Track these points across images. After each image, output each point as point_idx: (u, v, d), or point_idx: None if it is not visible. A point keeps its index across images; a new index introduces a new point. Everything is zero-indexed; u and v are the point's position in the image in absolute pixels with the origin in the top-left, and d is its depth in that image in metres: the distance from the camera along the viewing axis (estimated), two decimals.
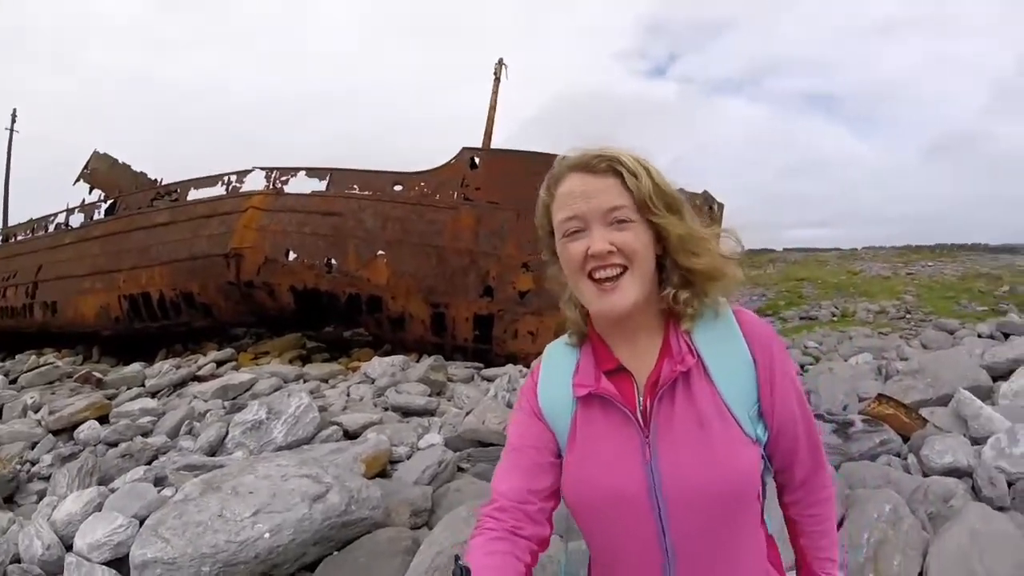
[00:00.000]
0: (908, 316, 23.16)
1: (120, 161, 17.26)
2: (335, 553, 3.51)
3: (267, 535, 3.25)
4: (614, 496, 1.26)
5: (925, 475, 4.30)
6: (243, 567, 3.15)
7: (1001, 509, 3.76)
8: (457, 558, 1.11)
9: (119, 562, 3.48)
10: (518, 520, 1.28)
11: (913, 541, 3.30)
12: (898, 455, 4.67)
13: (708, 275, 1.28)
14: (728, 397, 1.26)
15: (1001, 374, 6.51)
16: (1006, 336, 11.43)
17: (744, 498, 1.26)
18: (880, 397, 5.15)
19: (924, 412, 5.23)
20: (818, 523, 1.43)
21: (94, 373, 10.52)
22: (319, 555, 3.47)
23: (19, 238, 18.59)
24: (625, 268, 1.23)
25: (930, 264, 40.79)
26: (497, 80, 13.84)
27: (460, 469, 5.34)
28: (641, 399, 1.29)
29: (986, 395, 5.82)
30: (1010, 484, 4.03)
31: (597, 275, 1.24)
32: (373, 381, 8.79)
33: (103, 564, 3.49)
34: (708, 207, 12.08)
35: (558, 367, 1.39)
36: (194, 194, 13.51)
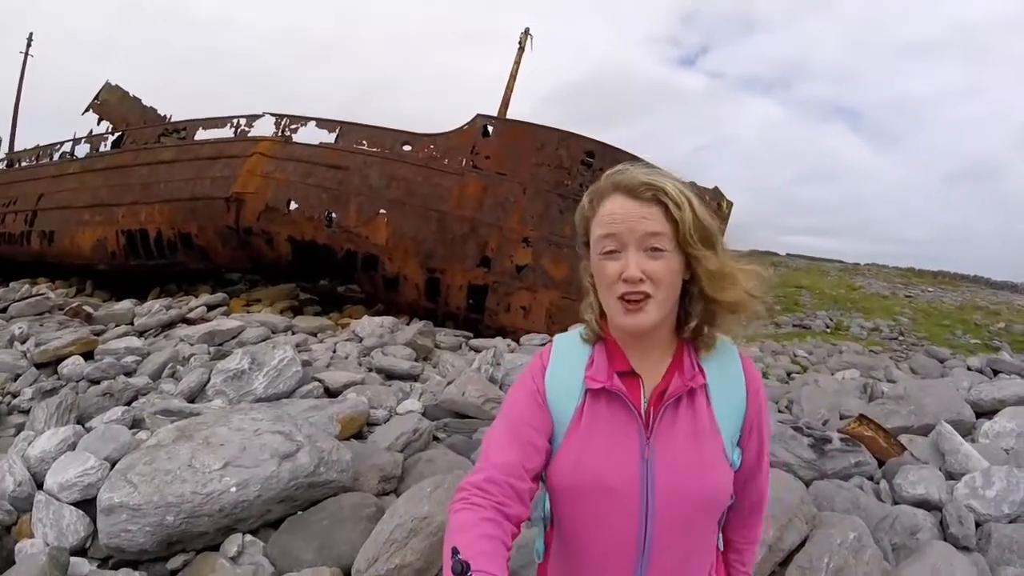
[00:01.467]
0: (901, 338, 23.11)
1: (131, 94, 17.10)
2: (299, 513, 3.51)
3: (233, 489, 3.24)
4: (607, 486, 1.33)
5: (896, 503, 4.32)
6: (207, 519, 3.15)
7: (966, 549, 3.78)
8: (455, 551, 1.12)
9: (88, 503, 3.46)
10: (507, 496, 1.29)
11: (873, 572, 3.31)
12: (871, 478, 4.68)
13: (731, 308, 1.36)
14: (721, 420, 1.39)
15: (985, 412, 6.52)
16: (995, 372, 11.45)
17: (718, 509, 1.41)
18: (861, 418, 5.14)
19: (903, 439, 5.23)
20: (740, 564, 1.62)
21: (84, 307, 10.51)
22: (283, 513, 3.47)
23: (23, 164, 18.45)
24: (649, 295, 1.30)
25: (930, 289, 40.78)
26: (521, 50, 13.67)
27: (435, 439, 5.36)
28: (646, 403, 1.37)
29: (967, 431, 5.83)
30: (978, 525, 4.05)
31: (626, 297, 1.30)
32: (361, 340, 8.79)
33: (72, 504, 3.48)
34: (717, 204, 12.04)
35: (571, 358, 1.44)
36: (202, 134, 13.36)
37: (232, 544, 3.20)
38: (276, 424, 3.82)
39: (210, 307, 10.78)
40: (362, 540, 3.17)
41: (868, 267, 55.66)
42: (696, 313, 1.38)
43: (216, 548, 3.23)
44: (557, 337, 1.53)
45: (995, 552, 3.79)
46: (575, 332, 1.51)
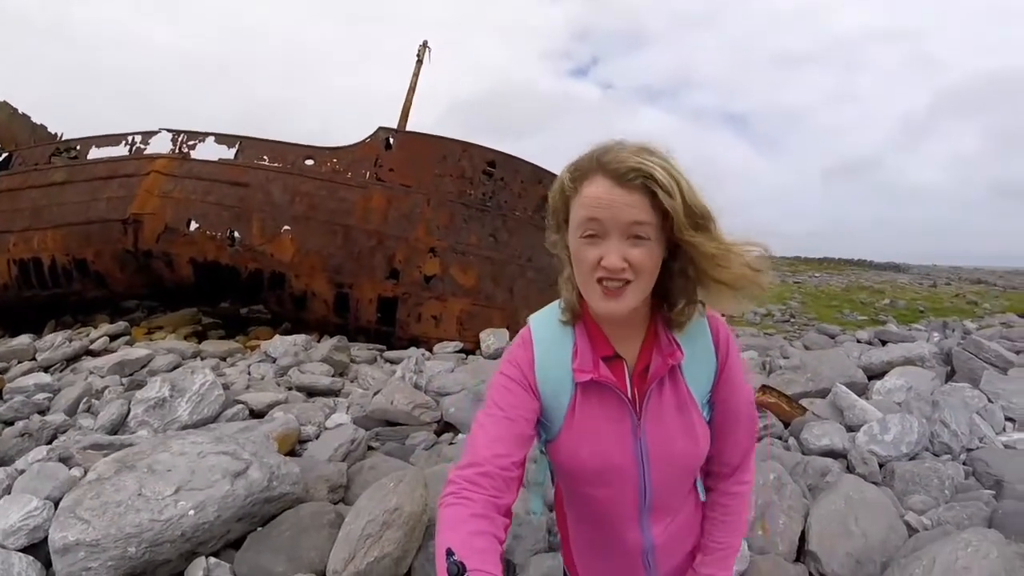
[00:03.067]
0: (793, 320, 24.45)
1: (19, 111, 16.03)
2: (259, 529, 3.54)
3: (191, 512, 3.24)
4: (609, 465, 1.43)
5: (804, 454, 4.80)
6: (169, 546, 3.14)
7: (874, 484, 4.27)
8: (450, 552, 1.13)
9: (36, 547, 3.37)
10: (498, 489, 1.29)
11: (796, 505, 3.68)
12: (780, 438, 5.16)
13: (730, 285, 1.32)
14: (693, 386, 1.46)
15: (876, 374, 7.14)
16: (883, 343, 12.30)
17: (699, 463, 1.52)
18: (764, 387, 5.60)
19: (804, 402, 5.73)
20: (725, 513, 1.62)
21: None
22: (243, 531, 3.49)
23: None
24: (630, 281, 1.29)
25: (817, 275, 43.19)
26: (419, 63, 13.76)
27: (370, 448, 5.47)
28: (630, 384, 1.43)
29: (861, 391, 6.40)
30: (881, 465, 4.56)
31: (604, 284, 1.29)
32: (275, 360, 8.73)
33: (19, 551, 3.35)
34: None
35: (555, 348, 1.45)
36: (95, 153, 12.66)
37: (197, 568, 3.20)
38: (219, 445, 3.81)
39: (112, 337, 10.36)
40: (329, 545, 3.25)
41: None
42: (676, 291, 1.39)
43: (180, 575, 3.23)
44: (533, 321, 1.52)
45: (900, 485, 4.28)
46: (550, 313, 1.51)
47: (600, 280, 1.29)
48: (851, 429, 5.18)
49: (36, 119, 16.20)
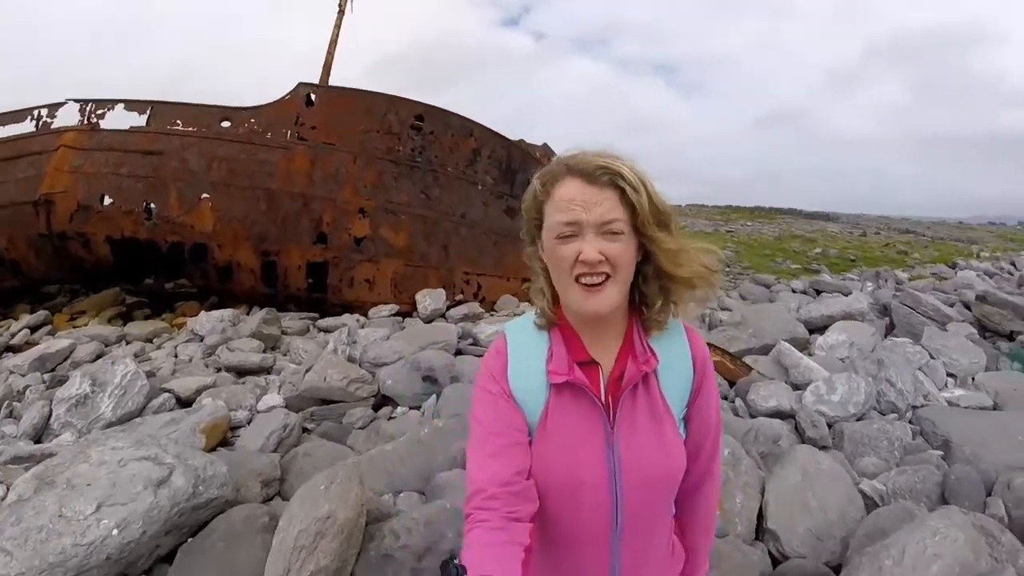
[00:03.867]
0: (728, 269, 24.96)
1: None
2: (190, 540, 3.44)
3: (115, 532, 3.13)
4: (579, 478, 1.39)
5: (752, 416, 4.91)
6: (96, 572, 3.03)
7: (824, 448, 4.40)
8: (452, 556, 1.18)
9: None
10: (511, 505, 1.32)
11: (752, 481, 3.77)
12: (726, 398, 5.27)
13: (688, 283, 1.41)
14: (670, 398, 1.46)
15: (816, 328, 7.39)
16: (818, 292, 12.78)
17: (677, 482, 1.49)
18: (707, 345, 5.71)
19: (748, 360, 5.86)
20: (694, 516, 1.65)
21: None
22: (173, 544, 3.38)
23: None
24: (609, 276, 1.34)
25: (749, 224, 44.04)
26: (341, 13, 13.13)
27: (305, 430, 5.39)
28: (604, 391, 1.43)
29: (803, 346, 6.61)
30: (829, 426, 4.72)
31: (583, 280, 1.34)
32: (202, 339, 8.53)
33: None
34: (547, 159, 12.39)
35: (529, 350, 1.47)
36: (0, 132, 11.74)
37: None
38: (139, 449, 3.66)
39: (33, 328, 9.86)
40: (264, 554, 3.15)
41: (689, 207, 59.08)
42: (653, 293, 1.43)
43: None
44: (509, 329, 1.55)
45: (850, 447, 4.46)
46: (526, 319, 1.54)
47: (578, 278, 1.34)
48: (797, 388, 5.32)
49: None
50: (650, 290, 1.43)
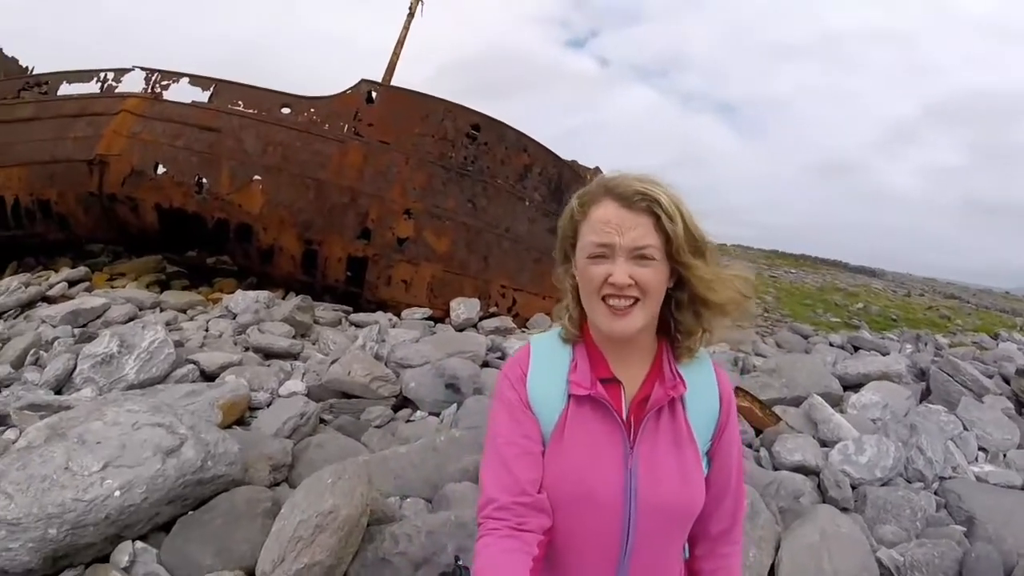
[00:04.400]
0: (767, 314, 24.55)
1: None
2: (190, 513, 3.40)
3: (117, 493, 3.10)
4: (591, 495, 1.35)
5: (776, 469, 4.74)
6: (92, 529, 3.00)
7: (844, 510, 4.22)
8: (457, 558, 1.20)
9: None
10: (520, 516, 1.31)
11: (768, 535, 3.62)
12: (750, 446, 5.10)
13: (722, 310, 1.40)
14: (696, 429, 1.43)
15: (851, 385, 7.16)
16: (855, 348, 12.47)
17: (693, 516, 1.43)
18: (737, 390, 5.51)
19: (778, 410, 5.68)
20: None
21: None
22: (173, 515, 3.35)
23: None
24: (637, 299, 1.33)
25: (793, 271, 43.44)
26: (411, 15, 13.27)
27: (322, 420, 5.33)
28: (627, 411, 1.40)
29: (835, 402, 6.40)
30: (854, 487, 4.53)
31: (611, 302, 1.33)
32: (235, 316, 8.54)
33: None
34: None
35: (552, 363, 1.46)
36: (65, 89, 12.05)
37: (123, 554, 3.09)
38: (155, 416, 3.65)
39: (71, 283, 9.99)
40: (262, 538, 3.12)
41: (735, 248, 58.46)
42: (686, 320, 1.42)
43: (106, 559, 3.10)
44: (533, 341, 1.54)
45: (871, 512, 4.27)
46: (552, 333, 1.53)
47: (606, 299, 1.34)
48: (824, 444, 5.15)
49: (7, 51, 15.53)
50: (684, 317, 1.43)
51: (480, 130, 11.26)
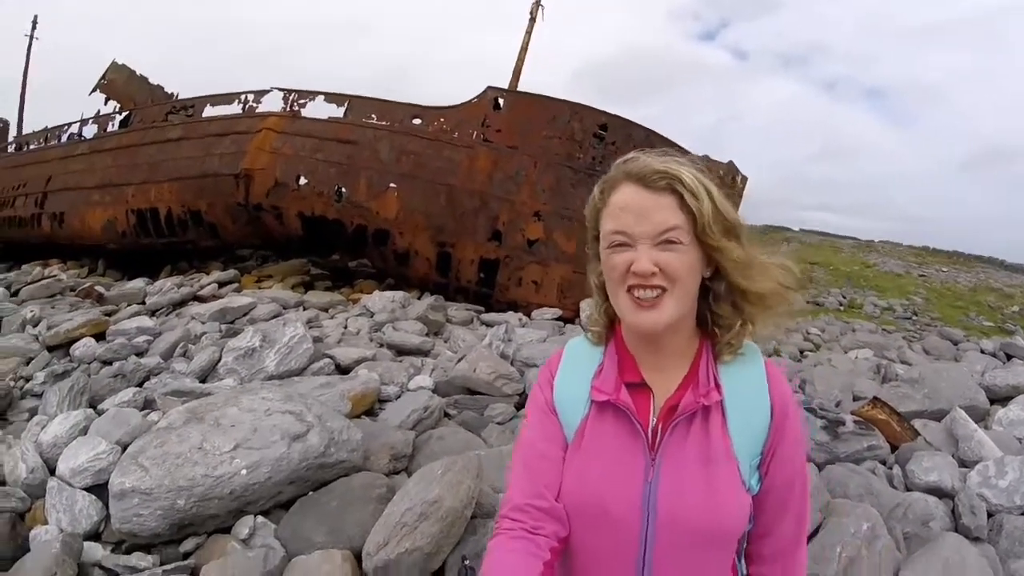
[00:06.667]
0: (915, 318, 22.81)
1: (137, 73, 16.98)
2: (310, 494, 3.51)
3: (244, 472, 3.25)
4: (606, 508, 1.24)
5: (908, 489, 4.28)
6: (217, 502, 3.16)
7: (976, 540, 3.75)
8: (464, 559, 1.12)
9: (100, 488, 3.48)
10: (536, 520, 1.24)
11: (885, 564, 3.26)
12: (884, 463, 4.65)
13: (763, 300, 1.26)
14: (736, 440, 1.25)
15: (999, 398, 6.45)
16: (1008, 357, 11.36)
17: (728, 541, 1.26)
18: (875, 401, 5.07)
19: (917, 424, 5.18)
20: None
21: (96, 288, 10.55)
22: (294, 494, 3.48)
23: (32, 147, 18.26)
24: (665, 289, 1.20)
25: (944, 269, 40.29)
26: (532, 21, 13.49)
27: (447, 415, 5.36)
28: (655, 419, 1.27)
29: (981, 417, 5.78)
30: (990, 515, 4.01)
31: (636, 293, 1.21)
32: (372, 315, 8.79)
33: (84, 490, 3.49)
34: (732, 178, 11.91)
35: (579, 365, 1.37)
36: (209, 111, 13.22)
37: (243, 526, 3.22)
38: (286, 404, 3.82)
39: (221, 284, 10.80)
40: (373, 521, 3.16)
41: (882, 244, 54.84)
42: (726, 312, 1.28)
43: (227, 530, 3.25)
44: (569, 342, 1.45)
45: (1006, 544, 3.76)
46: (584, 337, 1.44)
47: (631, 289, 1.21)
48: (964, 464, 4.61)
49: (159, 80, 17.11)
50: (722, 310, 1.28)
51: (607, 130, 11.14)
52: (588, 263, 1.40)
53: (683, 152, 1.26)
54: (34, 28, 28.08)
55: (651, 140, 11.29)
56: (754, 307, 1.27)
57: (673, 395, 1.28)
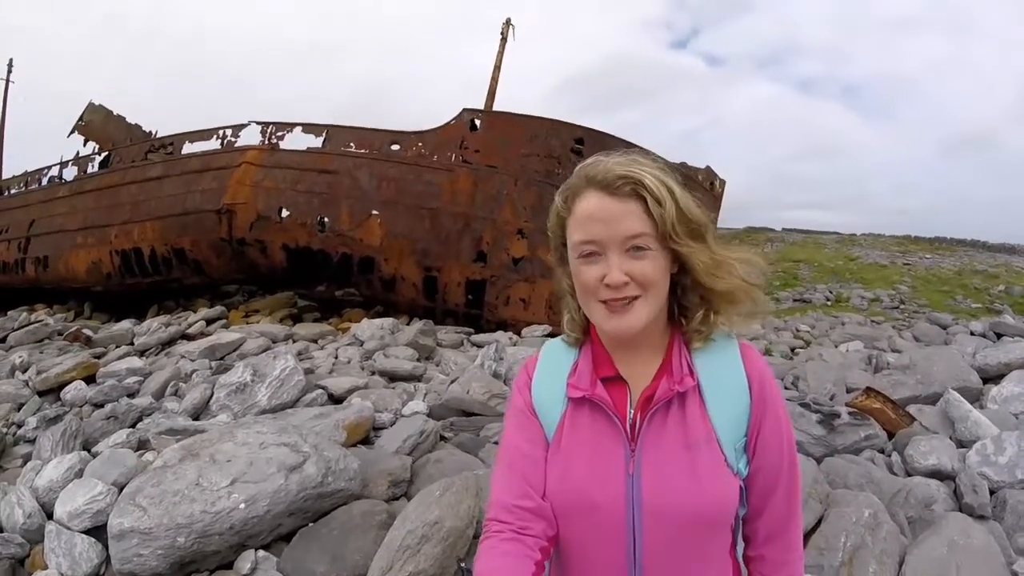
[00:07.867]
0: (902, 306, 22.96)
1: (115, 113, 16.98)
2: (310, 525, 3.50)
3: (242, 506, 3.23)
4: (590, 503, 1.24)
5: (908, 474, 4.30)
6: (218, 538, 3.14)
7: (981, 518, 3.76)
8: (459, 560, 1.11)
9: (99, 530, 3.45)
10: (523, 520, 1.24)
11: (890, 548, 3.26)
12: (882, 451, 4.67)
13: (729, 298, 1.26)
14: (718, 424, 1.25)
15: (991, 377, 6.48)
16: (998, 336, 11.41)
17: (717, 526, 1.25)
18: (869, 391, 5.11)
19: (912, 409, 5.21)
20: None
21: (84, 331, 10.50)
22: (294, 526, 3.45)
23: (12, 192, 18.23)
24: (638, 296, 1.20)
25: (928, 256, 40.60)
26: (503, 40, 13.62)
27: (443, 438, 5.33)
28: (632, 411, 1.27)
29: (975, 397, 5.81)
30: (992, 492, 4.02)
31: (609, 303, 1.20)
32: (362, 344, 8.78)
33: (83, 532, 3.46)
34: (710, 183, 12.01)
35: (556, 365, 1.37)
36: (188, 148, 13.23)
37: (245, 561, 3.20)
38: (281, 436, 3.80)
39: (209, 321, 10.73)
40: (375, 548, 3.15)
41: (865, 237, 55.18)
42: (693, 304, 1.28)
43: (230, 566, 3.22)
44: (546, 344, 1.45)
45: (1011, 519, 3.77)
46: (561, 338, 1.43)
47: (605, 302, 1.21)
48: (962, 445, 4.64)
49: (137, 119, 17.11)
50: (689, 301, 1.29)
51: (584, 143, 11.22)
52: (555, 270, 1.39)
53: (645, 153, 1.28)
54: (10, 72, 27.97)
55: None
56: (721, 303, 1.28)
57: (649, 386, 1.28)
